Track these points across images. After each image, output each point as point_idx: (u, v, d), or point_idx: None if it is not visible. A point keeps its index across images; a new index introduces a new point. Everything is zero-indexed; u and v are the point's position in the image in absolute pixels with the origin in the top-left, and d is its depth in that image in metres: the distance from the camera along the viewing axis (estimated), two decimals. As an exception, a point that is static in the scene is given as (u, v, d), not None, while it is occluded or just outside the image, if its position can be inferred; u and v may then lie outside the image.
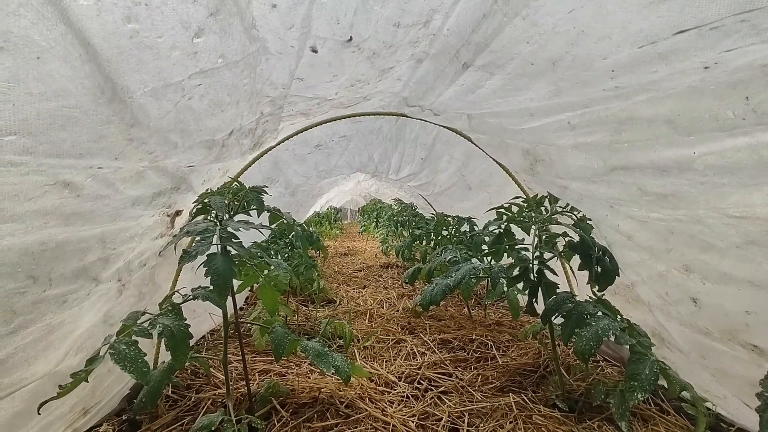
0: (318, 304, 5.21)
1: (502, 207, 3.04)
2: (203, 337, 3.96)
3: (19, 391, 1.79)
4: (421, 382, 3.09)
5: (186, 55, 1.66)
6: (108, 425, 2.46)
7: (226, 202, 2.33)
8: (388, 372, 3.23)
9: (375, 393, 2.90)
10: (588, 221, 2.65)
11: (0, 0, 1.09)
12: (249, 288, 4.36)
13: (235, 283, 2.58)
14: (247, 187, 2.52)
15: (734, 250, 1.93)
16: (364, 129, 5.58)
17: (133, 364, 1.76)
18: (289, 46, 2.03)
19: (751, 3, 1.30)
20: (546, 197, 2.88)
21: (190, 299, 2.24)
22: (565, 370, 3.08)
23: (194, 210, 2.41)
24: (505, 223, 2.99)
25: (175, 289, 2.81)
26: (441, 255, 4.01)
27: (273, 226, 2.68)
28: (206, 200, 2.34)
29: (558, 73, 2.05)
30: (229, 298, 2.23)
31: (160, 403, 2.67)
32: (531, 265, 2.72)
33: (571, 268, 3.34)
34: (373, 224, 13.99)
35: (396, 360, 3.49)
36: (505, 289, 3.87)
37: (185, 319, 2.08)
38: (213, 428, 2.28)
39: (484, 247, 4.04)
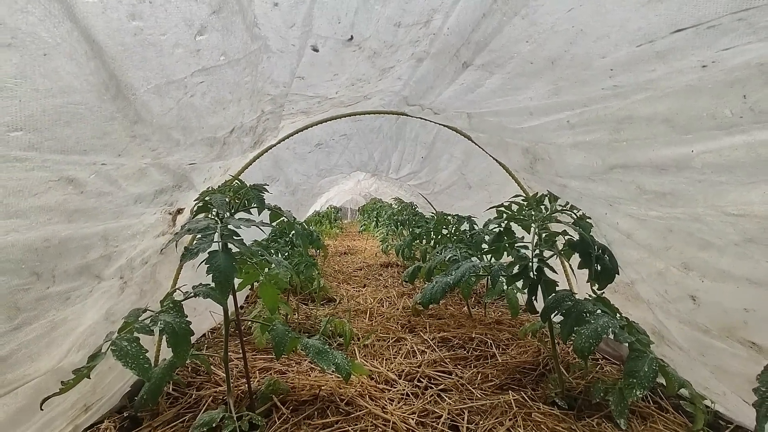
0: (318, 303, 5.22)
1: (502, 205, 3.05)
2: (204, 335, 3.97)
3: (22, 387, 1.81)
4: (421, 380, 3.10)
5: (189, 53, 1.67)
6: (109, 422, 2.46)
7: (227, 200, 2.34)
8: (388, 370, 3.24)
9: (375, 391, 2.91)
10: (587, 220, 2.67)
11: (9, -3, 1.10)
12: (249, 286, 4.38)
13: (236, 282, 2.59)
14: (248, 185, 2.53)
15: (732, 247, 1.94)
16: (365, 128, 5.59)
17: (134, 361, 1.78)
18: (290, 45, 2.04)
19: (748, 1, 1.31)
20: (546, 196, 2.90)
21: (192, 296, 2.25)
22: (565, 368, 3.09)
23: (195, 208, 2.42)
24: (506, 222, 3.00)
25: (176, 286, 2.82)
26: (441, 254, 4.01)
27: (274, 225, 2.69)
28: (207, 198, 2.35)
29: (557, 72, 2.06)
30: (230, 296, 2.24)
31: (161, 400, 2.68)
32: (531, 264, 2.73)
33: (570, 266, 3.36)
34: (373, 223, 13.99)
35: (396, 358, 3.50)
36: (505, 287, 3.89)
37: (186, 317, 2.09)
38: (214, 425, 2.29)
39: (484, 245, 4.05)
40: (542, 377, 3.07)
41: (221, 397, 2.79)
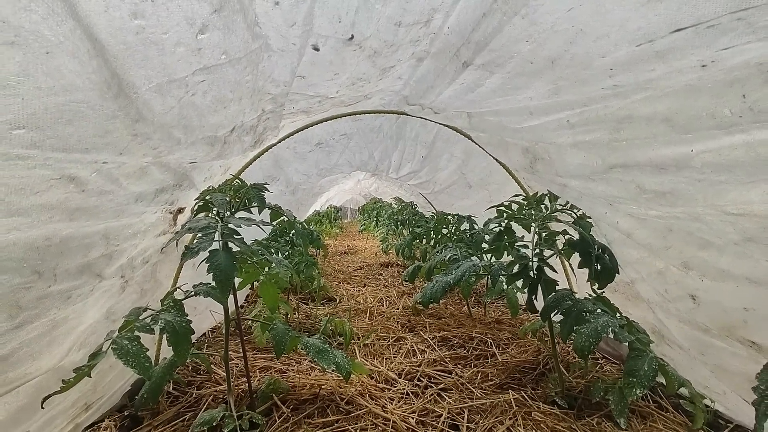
0: (318, 302, 5.23)
1: (502, 205, 3.05)
2: (204, 334, 3.98)
3: (23, 385, 1.81)
4: (421, 379, 3.11)
5: (190, 52, 1.67)
6: (109, 421, 2.47)
7: (227, 199, 2.35)
8: (388, 369, 3.24)
9: (375, 390, 2.91)
10: (587, 219, 2.67)
11: (13, -5, 1.11)
12: (250, 286, 4.38)
13: (236, 281, 2.60)
14: (249, 184, 2.53)
15: (732, 247, 1.95)
16: (365, 127, 5.59)
17: (135, 359, 1.78)
18: (291, 44, 2.04)
19: (747, 1, 1.32)
20: (546, 195, 2.90)
21: (192, 295, 2.25)
22: (565, 367, 3.09)
23: (196, 207, 2.43)
24: (506, 221, 3.00)
25: (177, 285, 2.83)
26: (441, 253, 4.02)
27: (274, 224, 2.70)
28: (208, 197, 2.36)
29: (557, 71, 2.06)
30: (231, 295, 2.24)
31: (161, 399, 2.69)
32: (531, 263, 2.73)
33: (570, 265, 3.36)
34: (373, 223, 14.00)
35: (396, 357, 3.51)
36: (505, 286, 3.89)
37: (187, 315, 2.10)
38: (214, 424, 2.29)
39: (485, 245, 4.05)
40: (542, 376, 3.08)
41: (222, 396, 2.80)
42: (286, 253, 4.75)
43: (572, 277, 3.63)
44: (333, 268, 7.96)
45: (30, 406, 1.85)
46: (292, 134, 3.53)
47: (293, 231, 4.58)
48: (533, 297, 2.71)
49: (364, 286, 6.31)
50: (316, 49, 2.13)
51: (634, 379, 2.02)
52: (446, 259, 3.81)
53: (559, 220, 2.69)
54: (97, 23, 1.32)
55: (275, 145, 3.46)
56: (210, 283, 2.15)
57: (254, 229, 2.71)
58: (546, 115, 2.46)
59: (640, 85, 1.85)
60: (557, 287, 2.65)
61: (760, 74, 1.48)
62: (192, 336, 2.04)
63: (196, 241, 2.06)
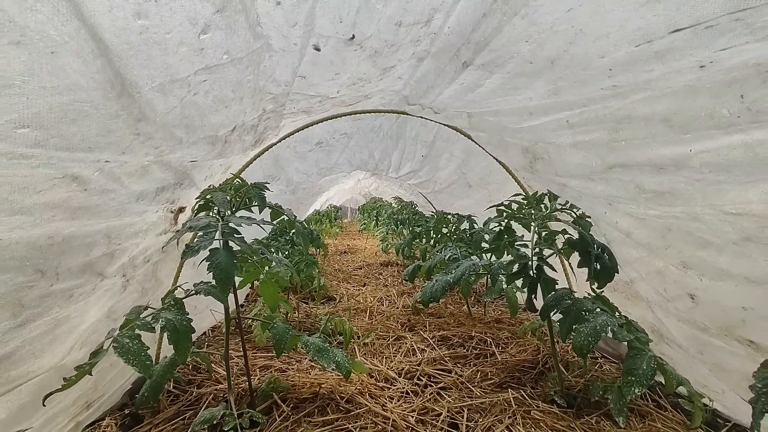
0: (318, 301, 5.24)
1: (502, 204, 3.06)
2: (204, 333, 3.99)
3: (25, 384, 1.82)
4: (421, 378, 3.11)
5: (192, 51, 1.68)
6: (110, 419, 2.47)
7: (228, 198, 2.36)
8: (388, 368, 3.25)
9: (375, 389, 2.92)
10: (587, 218, 2.68)
11: (19, -5, 1.12)
12: (250, 285, 4.39)
13: (237, 280, 2.60)
14: (249, 183, 2.54)
15: (731, 246, 1.95)
16: (365, 127, 5.59)
17: (136, 358, 1.79)
18: (292, 44, 2.05)
19: (745, 2, 1.33)
20: (546, 195, 2.91)
21: (193, 294, 2.26)
22: (564, 366, 3.10)
23: (197, 206, 2.43)
24: (506, 220, 3.00)
25: (178, 284, 2.83)
26: (441, 252, 4.03)
27: (274, 223, 2.71)
28: (209, 196, 2.36)
29: (556, 72, 2.07)
30: (231, 295, 2.24)
31: (162, 397, 2.70)
32: (530, 262, 2.74)
33: (570, 264, 3.37)
34: (373, 222, 14.00)
35: (396, 356, 3.51)
36: (504, 286, 3.90)
37: (188, 314, 2.10)
38: (215, 422, 2.30)
39: (484, 244, 4.06)
40: (541, 375, 3.09)
41: (222, 395, 2.81)
42: (287, 253, 4.75)
43: (572, 277, 3.64)
44: (333, 267, 7.97)
45: (31, 404, 1.86)
46: (292, 133, 3.54)
47: (293, 230, 4.59)
48: (533, 296, 2.72)
49: (364, 286, 6.32)
50: (317, 49, 2.14)
51: (633, 378, 2.03)
52: (446, 258, 3.81)
53: (558, 220, 2.70)
54: (102, 23, 1.33)
55: (276, 144, 3.47)
56: (210, 282, 2.16)
57: (254, 228, 2.73)
58: (545, 115, 2.47)
59: (639, 86, 1.86)
60: (557, 286, 2.66)
61: (758, 75, 1.49)
62: (192, 335, 2.04)
63: (196, 239, 2.07)
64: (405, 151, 6.44)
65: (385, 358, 3.48)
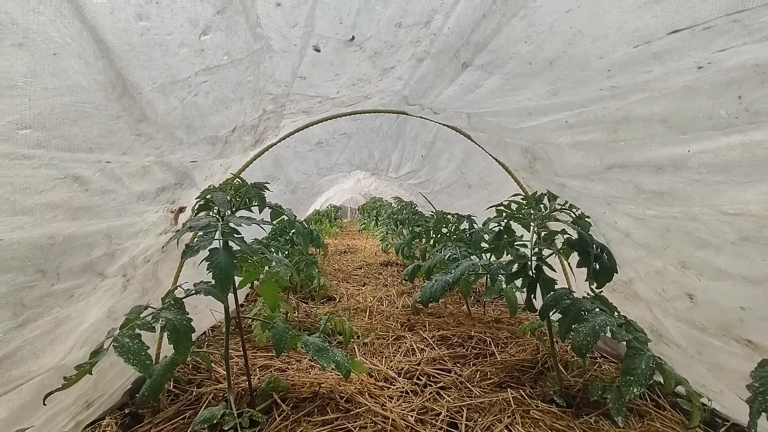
0: (318, 301, 5.25)
1: (501, 204, 3.06)
2: (204, 333, 3.99)
3: (26, 383, 1.82)
4: (420, 377, 3.12)
5: (193, 52, 1.69)
6: (110, 418, 2.48)
7: (228, 198, 2.36)
8: (387, 368, 3.26)
9: (375, 388, 2.92)
10: (586, 218, 2.68)
11: (22, -2, 1.12)
12: (250, 285, 4.40)
13: (237, 280, 2.61)
14: (249, 183, 2.55)
15: (729, 246, 1.96)
16: (365, 127, 5.60)
17: (136, 357, 1.79)
18: (292, 45, 2.06)
19: (742, 3, 1.33)
20: (545, 195, 2.91)
21: (193, 294, 2.26)
22: (563, 366, 3.11)
23: (197, 206, 2.44)
24: (505, 220, 3.01)
25: (178, 284, 2.84)
26: (440, 252, 4.03)
27: (274, 223, 2.71)
28: (209, 196, 2.37)
29: (555, 72, 2.08)
30: (231, 294, 2.25)
31: (162, 397, 2.70)
32: (530, 262, 2.75)
33: (569, 264, 3.37)
34: (373, 222, 13.99)
35: (395, 356, 3.52)
36: (504, 286, 3.91)
37: (188, 314, 2.11)
38: (215, 421, 2.31)
39: (484, 244, 4.07)
40: (541, 375, 3.10)
41: (222, 394, 2.82)
42: (286, 252, 4.76)
43: (571, 277, 3.65)
44: (333, 267, 7.97)
45: (32, 404, 1.87)
46: (292, 133, 3.55)
47: (293, 230, 4.60)
48: (532, 296, 2.73)
49: (363, 285, 6.33)
50: (317, 50, 2.14)
51: (632, 378, 2.04)
52: (446, 258, 3.82)
53: (558, 220, 2.70)
54: (103, 25, 1.33)
55: (275, 144, 3.47)
56: (210, 282, 2.16)
57: (254, 228, 2.73)
58: (545, 116, 2.47)
59: (638, 86, 1.86)
60: (556, 286, 2.67)
61: (755, 76, 1.49)
62: (192, 334, 2.05)
63: (196, 239, 2.08)
64: (405, 151, 6.44)
65: (385, 357, 3.49)
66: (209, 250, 2.11)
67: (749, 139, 1.61)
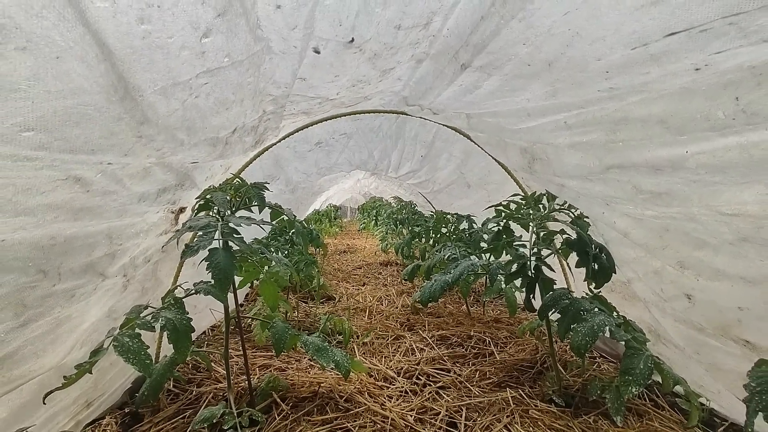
0: (318, 301, 5.25)
1: (500, 204, 3.07)
2: (204, 332, 4.00)
3: (26, 383, 1.83)
4: (420, 377, 3.13)
5: (194, 55, 1.70)
6: (110, 418, 2.48)
7: (228, 198, 2.37)
8: (387, 367, 3.27)
9: (374, 388, 2.93)
10: (585, 219, 2.69)
11: (25, 2, 1.13)
12: (249, 284, 4.40)
13: (237, 280, 2.61)
14: (249, 183, 2.55)
15: (727, 246, 1.97)
16: (365, 127, 5.60)
17: (136, 357, 1.80)
18: (292, 47, 2.07)
19: (738, 6, 1.34)
20: (544, 195, 2.92)
21: (193, 293, 2.27)
22: (562, 366, 3.12)
23: (197, 206, 2.44)
24: (504, 220, 3.01)
25: (177, 284, 2.85)
26: (440, 252, 4.04)
27: (274, 223, 2.71)
28: (209, 196, 2.37)
29: (554, 74, 2.09)
30: (230, 294, 2.25)
31: (161, 396, 2.71)
32: (529, 262, 2.76)
33: (568, 264, 3.38)
34: (373, 222, 14.00)
35: (395, 356, 3.53)
36: (503, 285, 3.91)
37: (187, 314, 2.11)
38: (214, 420, 2.32)
39: (483, 244, 4.08)
40: (540, 375, 3.11)
41: (221, 394, 2.82)
42: (286, 252, 4.77)
43: (570, 277, 3.66)
44: (332, 266, 7.97)
45: (32, 403, 1.87)
46: (292, 134, 3.55)
47: (293, 230, 4.61)
48: (531, 296, 2.74)
49: (363, 285, 6.34)
50: (317, 52, 2.15)
51: (630, 377, 2.04)
52: (445, 258, 3.82)
53: (557, 220, 2.71)
54: (106, 28, 1.34)
55: (275, 144, 3.48)
56: (210, 282, 2.17)
57: (254, 228, 2.74)
58: (543, 117, 2.48)
59: (636, 88, 1.87)
60: (555, 286, 2.67)
61: (752, 77, 1.51)
62: (192, 334, 2.05)
63: (196, 239, 2.08)
64: (404, 151, 6.45)
65: (384, 357, 3.50)
66: (209, 250, 2.11)
67: (746, 140, 1.62)
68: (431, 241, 6.43)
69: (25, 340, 1.76)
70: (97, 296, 2.16)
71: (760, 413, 1.51)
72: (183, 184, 2.50)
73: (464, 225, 5.07)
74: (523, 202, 2.99)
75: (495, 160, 3.93)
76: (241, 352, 2.57)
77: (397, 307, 5.04)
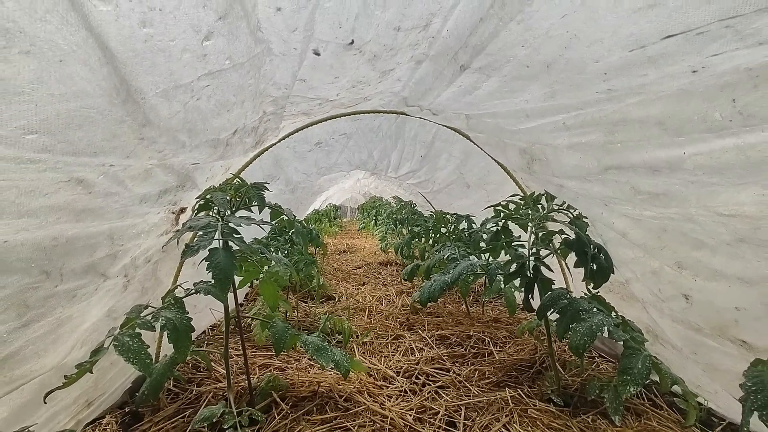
0: (317, 301, 5.26)
1: (499, 204, 3.08)
2: (204, 332, 4.01)
3: (27, 383, 1.84)
4: (419, 376, 3.14)
5: (196, 58, 1.71)
6: (111, 417, 2.49)
7: (228, 198, 2.37)
8: (386, 367, 3.28)
9: (373, 387, 2.94)
10: (584, 219, 2.70)
11: (29, 7, 1.14)
12: (249, 284, 4.41)
13: (237, 279, 2.62)
14: (249, 183, 2.56)
15: (724, 247, 1.97)
16: (364, 127, 5.61)
17: (136, 356, 1.80)
18: (292, 49, 2.07)
19: (734, 9, 1.35)
20: (543, 195, 2.93)
21: (193, 293, 2.27)
22: (561, 365, 3.13)
23: (197, 206, 2.45)
24: (503, 221, 3.02)
25: (177, 284, 2.85)
26: (439, 252, 4.05)
27: (273, 223, 2.72)
28: (209, 196, 2.38)
29: (552, 75, 2.10)
30: (230, 294, 2.26)
31: (162, 396, 2.72)
32: (527, 262, 2.77)
33: (567, 265, 3.39)
34: (373, 222, 14.01)
35: (394, 355, 3.54)
36: (502, 285, 3.92)
37: (187, 313, 2.12)
38: (214, 420, 2.32)
39: (482, 244, 4.09)
40: (539, 374, 3.12)
41: (221, 393, 2.83)
42: (286, 252, 4.78)
43: (568, 277, 3.66)
44: (332, 266, 7.98)
45: (33, 403, 1.88)
46: (292, 134, 3.56)
47: (293, 229, 4.61)
48: (530, 296, 2.75)
49: (363, 285, 6.35)
50: (317, 54, 2.16)
51: (629, 377, 2.05)
52: (444, 258, 3.83)
53: (555, 220, 2.72)
54: (108, 32, 1.35)
55: (275, 144, 3.49)
56: (210, 281, 2.17)
57: (254, 228, 2.74)
58: (542, 118, 2.49)
59: (634, 90, 1.88)
60: (554, 286, 2.68)
61: (749, 79, 1.52)
62: (192, 333, 2.06)
63: (196, 239, 2.09)
64: (404, 151, 6.45)
65: (384, 357, 3.51)
66: (209, 250, 2.12)
67: (743, 141, 1.63)
68: (431, 241, 6.45)
69: (27, 340, 1.76)
70: (98, 296, 2.17)
71: (755, 412, 1.52)
72: (184, 185, 2.51)
73: (463, 225, 5.08)
74: (522, 202, 3.00)
75: (494, 160, 3.94)
76: (241, 352, 2.58)
77: (396, 307, 5.05)
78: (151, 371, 1.86)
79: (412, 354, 3.58)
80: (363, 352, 3.60)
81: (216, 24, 1.62)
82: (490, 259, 3.38)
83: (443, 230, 5.70)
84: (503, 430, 2.46)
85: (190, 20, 1.54)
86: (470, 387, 2.95)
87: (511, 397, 2.78)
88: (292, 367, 3.25)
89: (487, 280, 3.77)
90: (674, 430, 2.43)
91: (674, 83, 1.73)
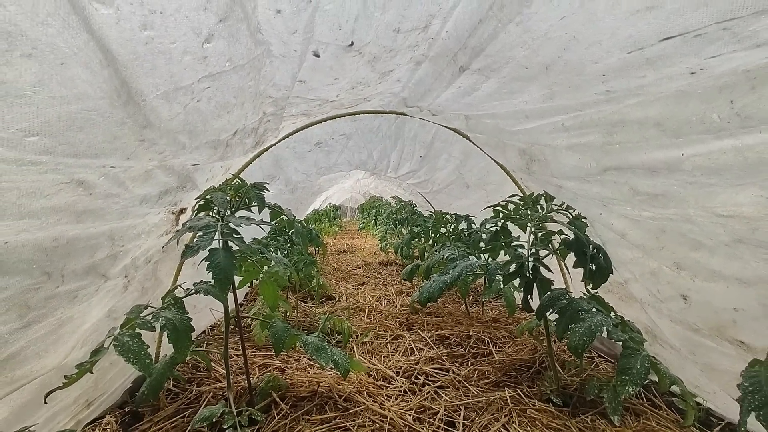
0: (317, 301, 5.26)
1: (499, 205, 3.08)
2: (204, 332, 4.01)
3: (28, 384, 1.85)
4: (419, 376, 3.15)
5: (196, 60, 1.71)
6: (111, 417, 2.50)
7: (228, 198, 2.37)
8: (386, 367, 3.28)
9: (373, 387, 2.95)
10: (583, 219, 2.70)
11: (31, 10, 1.15)
12: (249, 284, 4.41)
13: (236, 279, 2.63)
14: (249, 183, 2.56)
15: (723, 248, 1.98)
16: (364, 127, 5.61)
17: (136, 356, 1.81)
18: (292, 50, 2.08)
19: (732, 12, 1.36)
20: (542, 196, 2.93)
21: (192, 293, 2.28)
22: (560, 365, 3.13)
23: (197, 206, 2.45)
24: (502, 221, 3.03)
25: (177, 284, 2.86)
26: (439, 252, 4.05)
27: (273, 223, 2.72)
28: (209, 196, 2.38)
29: (551, 77, 2.10)
30: (230, 294, 2.26)
31: (161, 395, 2.72)
32: (527, 262, 2.78)
33: (566, 265, 3.39)
34: (372, 222, 14.01)
35: (394, 355, 3.54)
36: (502, 285, 3.93)
37: (187, 313, 2.13)
38: (214, 420, 2.33)
39: (482, 244, 4.09)
40: (538, 374, 3.12)
41: (221, 393, 2.84)
42: (286, 252, 4.78)
43: (568, 277, 3.67)
44: (332, 266, 7.98)
45: (33, 403, 1.89)
46: (291, 134, 3.56)
47: (292, 230, 4.62)
48: (529, 296, 2.75)
49: (362, 285, 6.35)
50: (317, 56, 2.17)
51: (627, 377, 2.06)
52: (444, 258, 3.84)
53: (554, 221, 2.72)
54: (109, 35, 1.36)
55: (275, 144, 3.49)
56: (210, 281, 2.17)
57: (254, 228, 2.74)
58: (541, 119, 2.50)
59: (632, 91, 1.89)
60: (553, 286, 2.69)
61: (747, 81, 1.53)
62: (192, 333, 2.07)
63: (196, 239, 2.09)
64: (404, 152, 6.45)
65: (384, 357, 3.52)
66: (209, 250, 2.12)
67: (741, 143, 1.64)
68: (430, 241, 6.45)
69: (28, 340, 1.77)
70: (99, 297, 2.18)
71: (752, 412, 1.53)
72: (184, 186, 2.52)
73: (463, 225, 5.08)
74: (522, 202, 3.00)
75: (494, 160, 3.94)
76: (241, 352, 2.58)
77: (396, 307, 5.06)
78: (151, 371, 1.86)
79: (411, 354, 3.59)
80: (362, 352, 3.61)
81: (216, 26, 1.63)
82: (490, 259, 3.39)
83: (443, 230, 5.71)
84: (502, 430, 2.47)
85: (191, 23, 1.54)
86: (469, 387, 2.96)
87: (510, 397, 2.79)
88: (291, 367, 3.26)
89: (486, 281, 3.77)
90: (673, 430, 2.43)
91: (672, 85, 1.74)
